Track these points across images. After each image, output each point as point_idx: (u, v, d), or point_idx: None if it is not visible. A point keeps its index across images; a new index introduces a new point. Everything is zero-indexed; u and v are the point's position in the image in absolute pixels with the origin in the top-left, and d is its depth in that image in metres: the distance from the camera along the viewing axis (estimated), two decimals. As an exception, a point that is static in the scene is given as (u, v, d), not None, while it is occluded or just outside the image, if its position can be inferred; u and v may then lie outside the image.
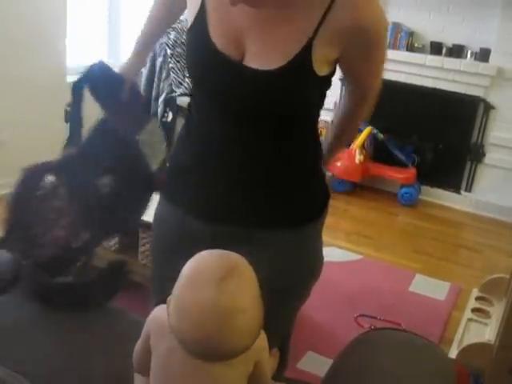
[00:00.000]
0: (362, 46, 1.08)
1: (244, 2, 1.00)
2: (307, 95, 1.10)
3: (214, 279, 0.82)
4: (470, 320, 2.51)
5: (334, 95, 1.37)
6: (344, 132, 1.35)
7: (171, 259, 1.24)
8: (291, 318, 1.32)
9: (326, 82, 1.12)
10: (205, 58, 1.10)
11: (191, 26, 1.12)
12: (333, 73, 1.12)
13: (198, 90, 1.16)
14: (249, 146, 1.13)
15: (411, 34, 4.05)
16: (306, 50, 1.04)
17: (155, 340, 0.95)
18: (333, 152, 1.38)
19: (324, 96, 1.17)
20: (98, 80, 1.27)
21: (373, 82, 1.20)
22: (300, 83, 1.07)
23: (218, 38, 1.07)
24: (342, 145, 1.45)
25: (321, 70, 1.07)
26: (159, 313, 0.96)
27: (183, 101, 3.45)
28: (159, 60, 3.97)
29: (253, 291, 0.86)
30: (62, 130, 3.84)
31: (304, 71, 1.05)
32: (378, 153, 4.15)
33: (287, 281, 1.18)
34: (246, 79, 1.06)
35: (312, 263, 1.25)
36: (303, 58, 1.04)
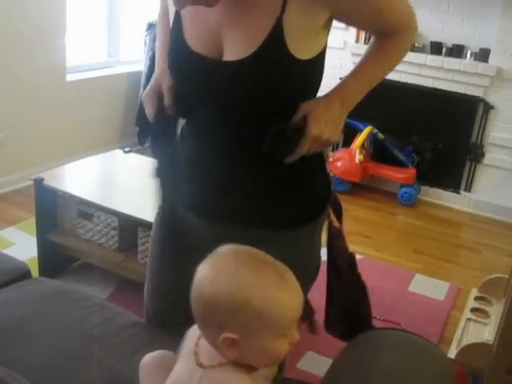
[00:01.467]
0: None
1: (193, 3, 0.97)
2: (286, 80, 1.02)
3: (235, 270, 0.86)
4: (469, 320, 2.51)
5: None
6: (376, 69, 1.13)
7: (168, 264, 1.27)
8: None
9: (311, 67, 1.05)
10: (181, 61, 1.10)
11: (171, 29, 1.13)
12: (321, 54, 1.05)
13: (182, 91, 1.15)
14: (237, 146, 1.11)
15: (411, 33, 4.05)
16: (277, 31, 0.98)
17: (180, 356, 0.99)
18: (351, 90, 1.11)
19: (312, 86, 1.09)
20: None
21: (389, 18, 1.06)
22: (275, 67, 1.00)
23: (193, 40, 1.07)
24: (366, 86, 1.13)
25: (301, 51, 1.00)
26: (191, 332, 0.98)
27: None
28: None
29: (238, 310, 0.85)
30: (61, 128, 3.83)
31: (277, 54, 0.99)
32: (378, 153, 4.15)
33: None
34: (222, 74, 1.04)
35: (309, 265, 1.24)
36: (274, 40, 0.98)
